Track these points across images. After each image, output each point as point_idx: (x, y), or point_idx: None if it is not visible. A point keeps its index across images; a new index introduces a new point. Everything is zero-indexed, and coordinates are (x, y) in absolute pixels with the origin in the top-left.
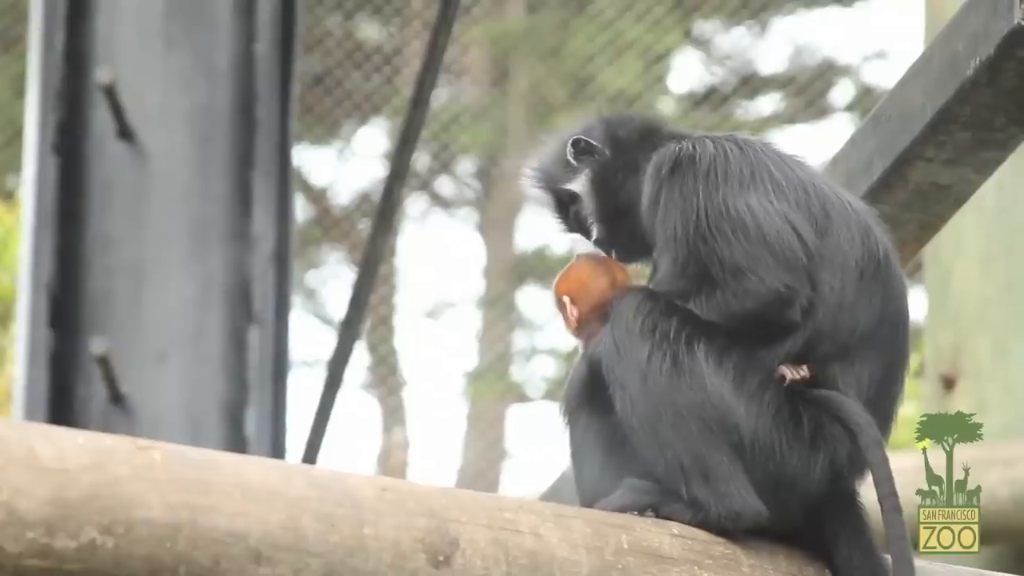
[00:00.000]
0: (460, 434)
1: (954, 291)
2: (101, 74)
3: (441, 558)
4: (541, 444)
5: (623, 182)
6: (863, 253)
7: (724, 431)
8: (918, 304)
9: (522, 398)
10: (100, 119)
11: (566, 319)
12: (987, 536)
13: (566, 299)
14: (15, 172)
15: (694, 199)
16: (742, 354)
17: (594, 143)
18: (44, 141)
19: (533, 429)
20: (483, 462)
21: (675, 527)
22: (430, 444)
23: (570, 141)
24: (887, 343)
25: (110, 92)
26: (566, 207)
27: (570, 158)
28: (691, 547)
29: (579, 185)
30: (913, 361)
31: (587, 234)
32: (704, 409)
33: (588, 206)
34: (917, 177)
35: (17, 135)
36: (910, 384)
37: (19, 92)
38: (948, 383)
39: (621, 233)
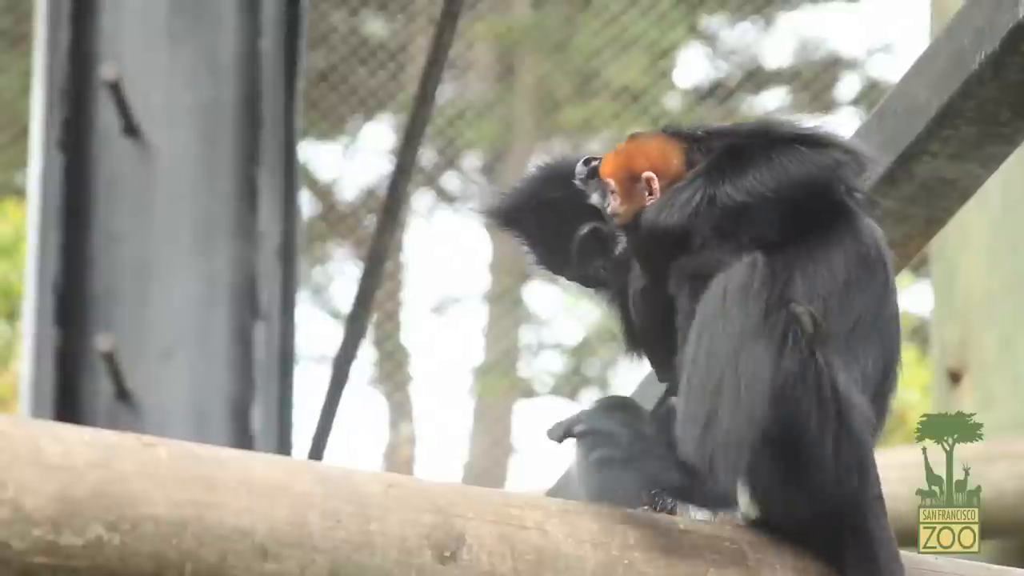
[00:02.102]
0: (467, 430)
1: (960, 285)
2: (106, 71)
3: (447, 554)
4: (547, 440)
5: None
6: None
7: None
8: (924, 299)
9: (529, 393)
10: (105, 116)
11: (643, 197)
12: (993, 531)
13: (651, 176)
14: (23, 169)
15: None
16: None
17: None
18: (49, 138)
19: (540, 425)
20: (489, 458)
21: (682, 522)
22: (437, 440)
23: (582, 160)
24: (885, 337)
25: (115, 89)
26: (566, 235)
27: (580, 179)
28: (698, 542)
29: (598, 201)
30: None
31: (600, 256)
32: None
33: (611, 223)
34: (922, 172)
35: (23, 132)
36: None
37: (24, 89)
38: (955, 377)
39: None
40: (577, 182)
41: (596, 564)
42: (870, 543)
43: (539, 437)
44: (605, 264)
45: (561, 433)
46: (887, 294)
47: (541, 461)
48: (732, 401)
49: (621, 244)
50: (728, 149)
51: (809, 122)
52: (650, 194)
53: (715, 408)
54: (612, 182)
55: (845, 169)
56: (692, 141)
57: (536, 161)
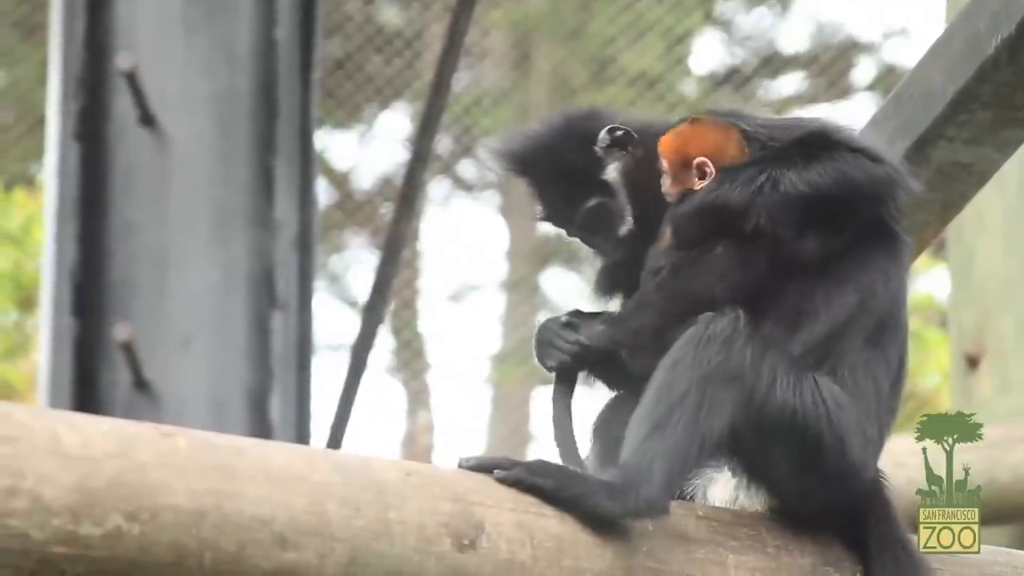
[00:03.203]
0: (485, 417)
1: (977, 270)
2: (122, 60)
3: (466, 542)
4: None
5: (651, 179)
6: None
7: None
8: (942, 283)
9: (547, 381)
10: (121, 105)
11: (693, 183)
12: (1011, 515)
13: (704, 161)
14: (37, 159)
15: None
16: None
17: (633, 134)
18: (66, 128)
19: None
20: (508, 445)
21: (701, 509)
22: (455, 428)
23: (606, 128)
24: (901, 333)
25: (131, 78)
26: (575, 200)
27: (601, 147)
28: (716, 528)
29: (612, 176)
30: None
31: (603, 231)
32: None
33: (621, 200)
34: (939, 157)
35: (39, 122)
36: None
37: (41, 79)
38: (972, 362)
39: (648, 233)
40: (598, 150)
41: (615, 551)
42: (893, 525)
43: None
44: (607, 238)
45: (475, 465)
46: (904, 295)
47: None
48: (692, 415)
49: (627, 224)
50: (795, 143)
51: (861, 136)
52: (701, 179)
53: (670, 415)
54: (664, 162)
55: (896, 186)
56: (746, 132)
57: (562, 110)
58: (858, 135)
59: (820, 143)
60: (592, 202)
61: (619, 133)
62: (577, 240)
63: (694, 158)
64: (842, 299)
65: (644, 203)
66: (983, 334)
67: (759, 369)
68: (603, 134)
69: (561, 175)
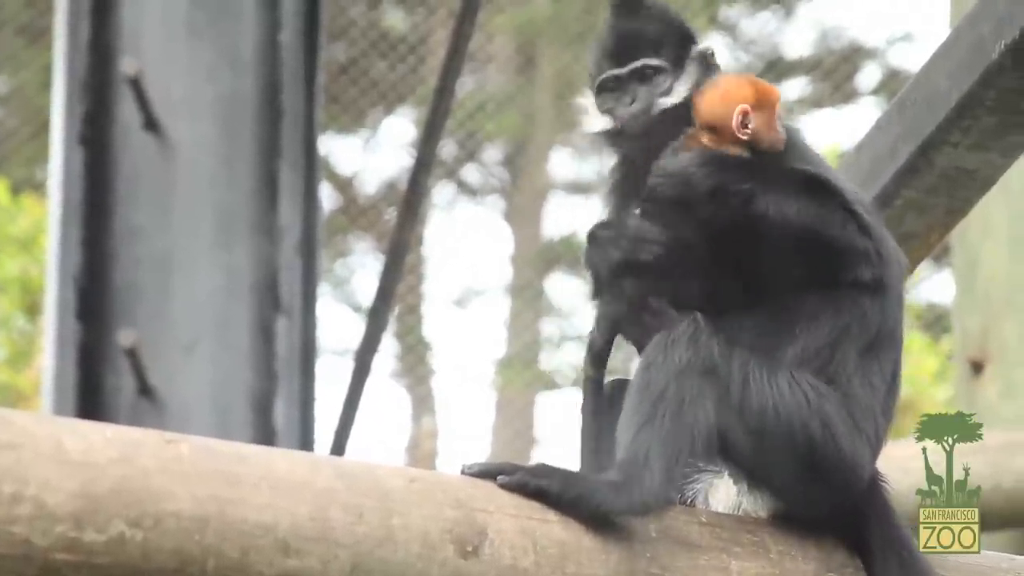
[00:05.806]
0: (489, 423)
1: (982, 275)
2: (126, 65)
3: (469, 548)
4: (570, 432)
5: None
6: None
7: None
8: (944, 288)
9: (551, 386)
10: (126, 110)
11: (738, 135)
12: (1015, 520)
13: (749, 114)
14: (43, 164)
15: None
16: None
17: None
18: (70, 133)
19: (562, 417)
20: (512, 451)
21: (704, 515)
22: (459, 433)
23: (710, 48)
24: (897, 342)
25: (135, 83)
26: (632, 86)
27: (690, 59)
28: (719, 535)
29: (685, 83)
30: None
31: (631, 103)
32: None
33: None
34: (943, 162)
35: (44, 127)
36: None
37: (46, 84)
38: (977, 367)
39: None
40: (693, 51)
41: (619, 557)
42: (894, 528)
43: (561, 430)
44: (626, 118)
45: (478, 472)
46: (901, 307)
47: (563, 454)
48: (675, 406)
49: (651, 122)
50: (798, 173)
51: (861, 201)
52: (742, 127)
53: (655, 410)
54: (704, 107)
55: (867, 264)
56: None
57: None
58: (866, 203)
59: (820, 185)
60: (656, 62)
61: (714, 61)
62: (593, 98)
63: (737, 105)
64: (824, 323)
65: (680, 119)
66: (988, 339)
67: (730, 362)
68: (707, 50)
69: (652, 23)
